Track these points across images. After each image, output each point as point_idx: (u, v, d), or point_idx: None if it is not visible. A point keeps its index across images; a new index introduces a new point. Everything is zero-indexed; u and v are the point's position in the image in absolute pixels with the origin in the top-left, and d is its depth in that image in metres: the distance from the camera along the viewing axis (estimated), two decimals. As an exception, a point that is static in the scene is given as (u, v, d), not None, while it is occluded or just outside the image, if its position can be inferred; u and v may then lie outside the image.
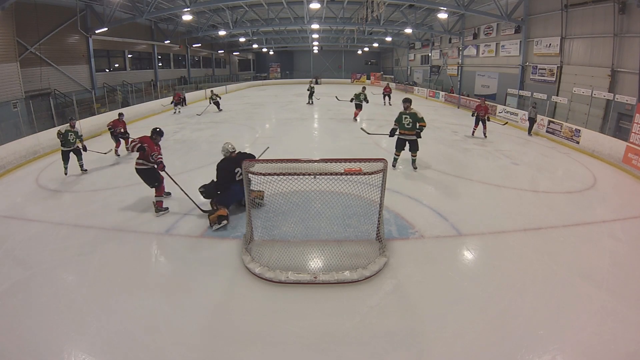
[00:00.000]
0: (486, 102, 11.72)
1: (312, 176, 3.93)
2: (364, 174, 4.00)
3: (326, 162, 3.92)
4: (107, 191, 6.58)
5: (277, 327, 3.19)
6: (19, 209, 5.85)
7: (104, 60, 18.39)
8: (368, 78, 37.36)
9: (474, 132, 11.49)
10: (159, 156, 5.46)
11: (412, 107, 7.22)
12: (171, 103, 17.34)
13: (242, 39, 30.66)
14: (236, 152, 5.44)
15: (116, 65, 19.64)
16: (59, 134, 7.25)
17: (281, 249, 4.21)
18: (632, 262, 4.32)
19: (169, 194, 6.02)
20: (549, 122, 12.21)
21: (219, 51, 33.76)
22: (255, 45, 35.16)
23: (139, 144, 5.33)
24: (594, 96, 11.26)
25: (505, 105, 16.10)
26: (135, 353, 2.90)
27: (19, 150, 8.51)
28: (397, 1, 18.13)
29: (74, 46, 15.81)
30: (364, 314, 3.35)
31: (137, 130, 10.49)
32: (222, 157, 5.43)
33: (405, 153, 7.54)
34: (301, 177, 3.90)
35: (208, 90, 20.32)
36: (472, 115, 11.33)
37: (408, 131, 7.24)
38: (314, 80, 22.06)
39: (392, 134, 7.50)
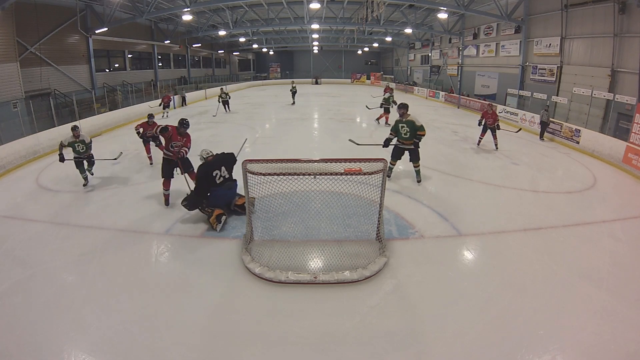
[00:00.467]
0: (493, 106, 10.28)
1: (312, 176, 3.93)
2: (364, 174, 4.01)
3: (326, 162, 3.92)
4: (107, 191, 6.58)
5: (277, 327, 3.19)
6: (19, 209, 5.85)
7: (104, 60, 18.37)
8: (368, 78, 37.37)
9: (480, 141, 10.08)
10: (179, 146, 5.63)
11: (409, 113, 6.49)
12: (160, 105, 15.78)
13: (242, 39, 30.66)
14: (212, 155, 5.38)
15: (116, 65, 19.63)
16: (62, 146, 6.55)
17: (281, 249, 4.21)
18: (632, 262, 4.32)
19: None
20: (549, 122, 12.21)
21: (219, 51, 33.76)
22: (255, 45, 35.16)
23: (162, 126, 5.63)
24: (594, 96, 11.25)
25: (505, 105, 16.09)
26: (135, 353, 2.90)
27: (19, 150, 8.51)
28: (397, 1, 18.12)
29: (74, 46, 15.80)
30: (364, 314, 3.35)
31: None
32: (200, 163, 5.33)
33: (406, 162, 7.02)
34: (301, 177, 3.90)
35: (218, 89, 20.02)
36: (479, 123, 9.82)
37: (406, 141, 6.56)
38: (293, 82, 22.00)
39: (386, 145, 6.65)
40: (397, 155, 6.77)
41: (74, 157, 6.65)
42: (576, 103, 12.47)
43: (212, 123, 14.00)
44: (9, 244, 4.64)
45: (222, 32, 23.87)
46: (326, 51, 39.18)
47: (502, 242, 4.78)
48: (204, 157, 5.33)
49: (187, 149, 5.75)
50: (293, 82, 21.53)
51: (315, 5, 17.96)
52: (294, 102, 19.70)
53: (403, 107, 6.55)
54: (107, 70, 18.74)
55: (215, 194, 5.22)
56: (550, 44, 14.29)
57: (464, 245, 4.71)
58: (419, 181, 6.85)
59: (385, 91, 17.31)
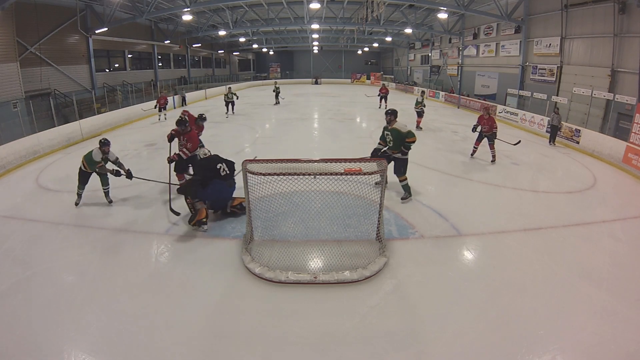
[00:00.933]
0: (491, 110, 8.99)
1: (312, 176, 3.93)
2: (364, 174, 4.01)
3: (326, 162, 3.92)
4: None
5: (277, 327, 3.19)
6: (19, 209, 5.85)
7: (104, 60, 18.37)
8: (368, 78, 37.36)
9: (474, 151, 8.73)
10: (182, 147, 6.13)
11: (396, 120, 5.89)
12: (155, 107, 14.80)
13: (242, 39, 30.66)
14: (209, 154, 5.38)
15: (116, 65, 19.63)
16: (92, 161, 5.57)
17: (281, 249, 4.21)
18: (632, 262, 4.32)
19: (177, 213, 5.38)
20: (549, 122, 12.20)
21: (219, 51, 33.76)
22: (255, 45, 35.16)
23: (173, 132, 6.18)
24: (594, 96, 11.25)
25: (505, 105, 16.10)
26: (135, 353, 2.90)
27: (19, 150, 8.51)
28: (397, 1, 18.12)
29: (74, 46, 15.80)
30: (364, 314, 3.35)
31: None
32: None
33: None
34: (301, 177, 3.90)
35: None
36: (473, 130, 8.57)
37: (392, 150, 5.92)
38: (276, 82, 21.84)
39: (374, 155, 6.07)
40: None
41: (80, 169, 5.74)
42: (576, 103, 12.47)
43: (212, 123, 13.95)
44: (9, 244, 4.64)
45: (222, 32, 23.87)
46: (326, 51, 39.18)
47: (502, 242, 4.78)
48: (206, 153, 5.33)
49: (186, 150, 5.99)
50: (276, 83, 21.41)
51: (315, 5, 17.96)
52: (277, 102, 19.48)
53: (390, 114, 5.91)
54: (107, 70, 18.75)
55: (216, 187, 5.14)
56: (550, 44, 14.29)
57: (464, 245, 4.70)
58: (402, 198, 5.92)
59: (380, 91, 17.28)
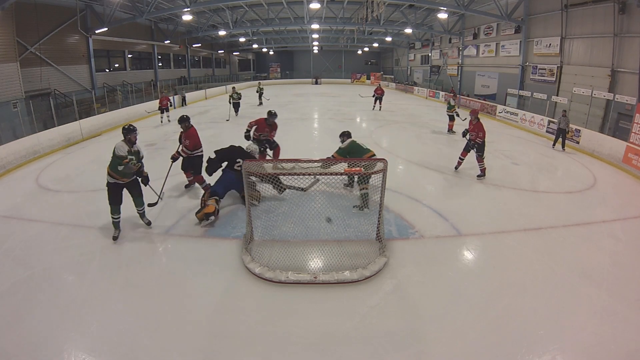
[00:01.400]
0: (478, 114, 7.32)
1: (312, 176, 3.93)
2: (364, 174, 4.02)
3: (326, 162, 3.93)
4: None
5: (277, 327, 3.19)
6: (19, 209, 5.85)
7: (104, 60, 18.38)
8: (368, 78, 37.37)
9: (459, 164, 7.57)
10: (181, 145, 6.04)
11: (351, 139, 5.86)
12: (158, 109, 14.13)
13: (242, 39, 30.67)
14: (252, 152, 5.96)
15: (116, 65, 19.64)
16: (115, 161, 4.35)
17: (281, 249, 4.21)
18: (632, 262, 4.32)
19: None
20: (549, 122, 12.22)
21: (219, 51, 33.77)
22: (255, 45, 35.17)
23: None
24: (594, 96, 11.25)
25: (505, 105, 16.10)
26: (135, 353, 2.90)
27: (19, 150, 8.50)
28: (397, 1, 18.13)
29: (74, 46, 15.80)
30: (364, 314, 3.35)
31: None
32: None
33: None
34: (301, 177, 3.90)
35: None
36: (464, 134, 7.43)
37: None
38: (260, 82, 21.41)
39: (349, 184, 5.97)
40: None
41: (109, 185, 4.48)
42: (576, 103, 12.48)
43: (212, 123, 13.98)
44: (9, 244, 4.63)
45: (222, 32, 23.88)
46: (326, 51, 39.19)
47: (502, 242, 4.78)
48: (250, 149, 5.97)
49: (185, 148, 6.04)
50: (260, 84, 20.89)
51: (315, 5, 17.97)
52: (260, 103, 19.07)
53: (343, 135, 6.07)
54: (107, 70, 18.75)
55: (228, 176, 5.44)
56: (550, 44, 14.29)
57: (464, 245, 4.71)
58: (355, 206, 5.40)
59: (375, 92, 17.13)
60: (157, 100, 14.77)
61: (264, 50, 38.67)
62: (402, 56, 33.79)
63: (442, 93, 22.64)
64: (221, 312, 3.40)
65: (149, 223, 5.02)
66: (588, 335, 3.11)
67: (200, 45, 28.86)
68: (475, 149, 7.09)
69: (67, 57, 15.37)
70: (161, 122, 14.02)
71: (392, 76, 35.04)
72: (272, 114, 6.95)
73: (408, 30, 22.26)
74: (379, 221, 4.38)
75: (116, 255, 4.37)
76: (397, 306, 3.49)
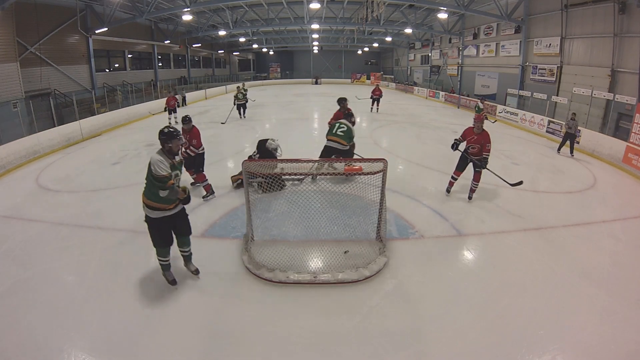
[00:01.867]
0: (483, 121, 5.90)
1: (312, 176, 3.93)
2: (364, 174, 4.02)
3: (326, 162, 3.92)
4: (107, 191, 6.57)
5: (277, 327, 3.19)
6: (19, 209, 5.85)
7: (104, 60, 18.37)
8: (368, 78, 37.35)
9: (451, 185, 6.20)
10: (187, 145, 5.95)
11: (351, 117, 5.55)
12: (165, 110, 13.82)
13: (242, 39, 30.66)
14: (273, 149, 6.89)
15: (116, 65, 19.63)
16: (156, 183, 3.26)
17: (281, 249, 4.20)
18: (632, 262, 4.33)
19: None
20: (549, 122, 12.23)
21: (219, 51, 33.76)
22: (255, 45, 35.15)
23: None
24: (594, 96, 11.26)
25: (505, 105, 16.11)
26: (135, 353, 2.90)
27: (19, 150, 8.50)
28: (397, 1, 18.13)
29: (74, 46, 15.80)
30: (364, 314, 3.35)
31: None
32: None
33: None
34: (301, 177, 3.90)
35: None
36: (453, 147, 5.82)
37: (339, 139, 5.67)
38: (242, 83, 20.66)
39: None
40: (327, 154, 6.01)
41: (157, 216, 3.36)
42: (576, 103, 12.47)
43: (212, 123, 13.97)
44: (9, 244, 4.63)
45: (222, 32, 23.87)
46: (326, 51, 39.17)
47: (502, 242, 4.78)
48: (273, 147, 6.93)
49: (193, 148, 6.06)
50: (244, 84, 20.04)
51: (315, 5, 17.96)
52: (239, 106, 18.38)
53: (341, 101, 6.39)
54: (107, 70, 18.74)
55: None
56: (550, 44, 14.29)
57: (464, 245, 4.71)
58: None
59: (373, 93, 17.04)
60: (163, 100, 14.53)
61: (264, 50, 38.65)
62: (402, 56, 33.78)
63: (442, 93, 22.64)
64: (221, 312, 3.40)
65: (196, 271, 3.72)
66: (588, 335, 3.11)
67: (200, 45, 28.85)
68: (474, 165, 5.73)
69: (67, 57, 15.36)
70: (169, 123, 13.48)
71: (392, 76, 35.03)
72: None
73: (408, 30, 22.26)
74: (379, 221, 4.38)
75: (116, 255, 4.37)
76: (397, 306, 3.49)
